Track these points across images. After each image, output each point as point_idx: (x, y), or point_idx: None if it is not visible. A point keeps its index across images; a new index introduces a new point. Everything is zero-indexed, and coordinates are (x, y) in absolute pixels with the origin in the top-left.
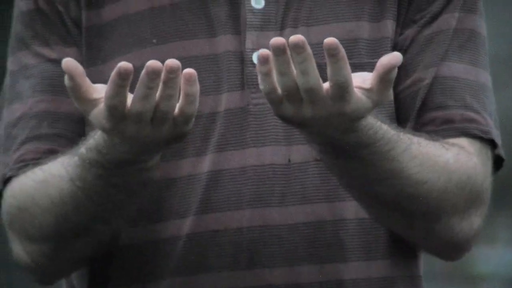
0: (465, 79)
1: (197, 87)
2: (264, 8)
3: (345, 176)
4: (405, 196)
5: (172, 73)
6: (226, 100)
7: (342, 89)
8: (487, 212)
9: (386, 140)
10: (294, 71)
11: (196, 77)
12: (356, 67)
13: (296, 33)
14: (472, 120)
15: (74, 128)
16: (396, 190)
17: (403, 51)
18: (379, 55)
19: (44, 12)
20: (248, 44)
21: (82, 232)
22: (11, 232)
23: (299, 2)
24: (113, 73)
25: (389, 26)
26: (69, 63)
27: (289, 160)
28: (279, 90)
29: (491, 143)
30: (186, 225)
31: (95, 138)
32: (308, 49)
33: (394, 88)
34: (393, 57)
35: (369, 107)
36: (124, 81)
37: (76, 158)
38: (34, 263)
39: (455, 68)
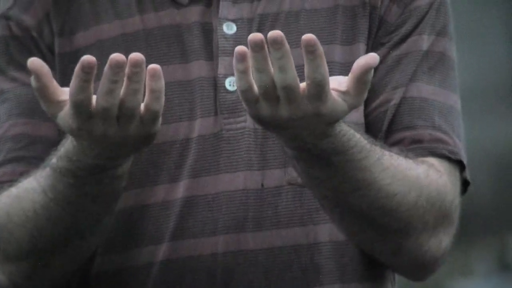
0: (434, 100)
1: (162, 83)
2: (235, 33)
3: (319, 187)
4: (376, 207)
5: (137, 66)
6: (199, 126)
7: (319, 88)
8: (455, 234)
9: (359, 149)
10: (272, 69)
11: (161, 73)
12: None
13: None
14: (440, 140)
15: (51, 151)
16: (368, 202)
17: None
18: None
19: (19, 38)
20: (221, 70)
21: (58, 248)
22: None
23: (271, 27)
24: (76, 68)
25: (361, 49)
26: (35, 62)
27: (262, 185)
28: (256, 89)
29: (459, 165)
30: (160, 251)
31: (65, 146)
32: (287, 45)
33: (363, 110)
34: (370, 58)
35: (344, 110)
36: (88, 75)
37: (47, 169)
38: (12, 284)
39: (424, 89)
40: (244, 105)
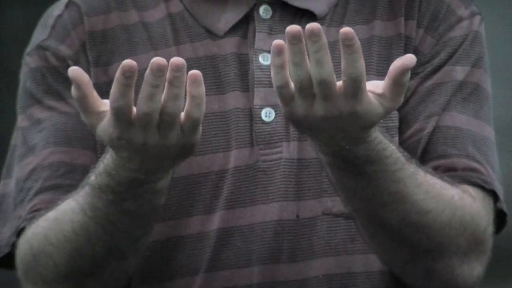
0: (468, 130)
1: (203, 89)
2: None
3: (351, 198)
4: (408, 223)
5: (178, 71)
6: (235, 157)
7: (355, 84)
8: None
9: (394, 160)
10: (309, 64)
11: (202, 79)
12: None
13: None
14: (474, 169)
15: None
16: (400, 216)
17: (405, 102)
18: None
19: (55, 68)
20: (257, 101)
21: (96, 269)
22: (26, 283)
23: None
24: (117, 73)
25: None
26: (76, 71)
27: (297, 216)
28: (292, 86)
29: (493, 195)
30: (196, 283)
31: (103, 161)
32: (324, 38)
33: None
34: (406, 58)
35: (380, 113)
36: (129, 80)
37: (86, 188)
38: None
39: (458, 119)
40: (280, 102)
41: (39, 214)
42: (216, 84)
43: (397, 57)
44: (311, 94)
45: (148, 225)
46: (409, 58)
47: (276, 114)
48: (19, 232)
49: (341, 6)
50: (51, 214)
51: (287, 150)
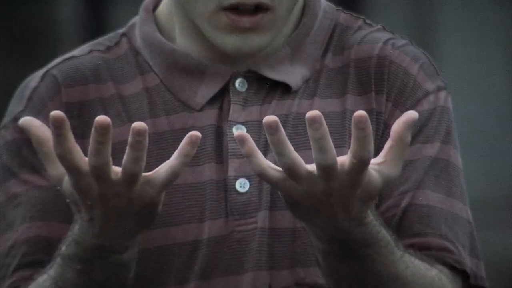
0: (440, 209)
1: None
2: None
3: (341, 281)
4: None
5: (139, 135)
6: (209, 228)
7: (364, 165)
8: None
9: (386, 243)
10: (291, 148)
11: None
12: None
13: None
14: (446, 249)
15: None
16: None
17: None
18: None
19: (31, 141)
20: (231, 172)
21: None
22: None
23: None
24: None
25: None
26: (33, 129)
27: (270, 286)
28: (272, 171)
29: (464, 276)
30: None
31: (72, 230)
32: (325, 124)
33: None
34: (409, 115)
35: (379, 184)
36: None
37: (58, 259)
38: None
39: (431, 197)
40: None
41: None
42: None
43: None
44: (304, 175)
45: None
46: (412, 114)
47: (250, 184)
48: None
49: (313, 80)
50: None
51: (261, 220)
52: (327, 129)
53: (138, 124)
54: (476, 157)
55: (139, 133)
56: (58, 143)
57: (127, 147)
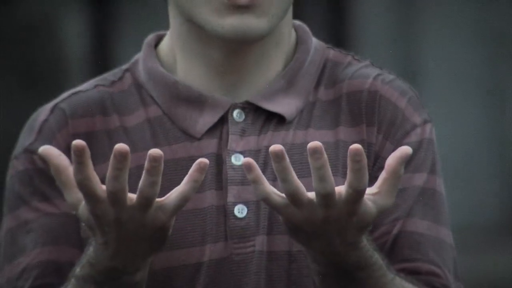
0: (429, 235)
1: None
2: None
3: None
4: None
5: (155, 162)
6: (210, 251)
7: (360, 195)
8: None
9: (378, 266)
10: (294, 175)
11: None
12: None
13: (274, 186)
14: (434, 274)
15: None
16: None
17: None
18: None
19: (42, 170)
20: (230, 198)
21: None
22: None
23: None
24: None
25: None
26: (53, 157)
27: None
28: (276, 196)
29: None
30: None
31: (86, 252)
32: (325, 155)
33: None
34: (403, 150)
35: (374, 213)
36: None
37: (72, 279)
38: None
39: (420, 224)
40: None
41: None
42: None
43: None
44: (305, 202)
45: None
46: (406, 149)
47: (248, 210)
48: None
49: (307, 111)
50: None
51: (259, 243)
52: (327, 159)
53: (154, 151)
54: (459, 185)
55: (155, 159)
56: (78, 170)
57: (144, 173)
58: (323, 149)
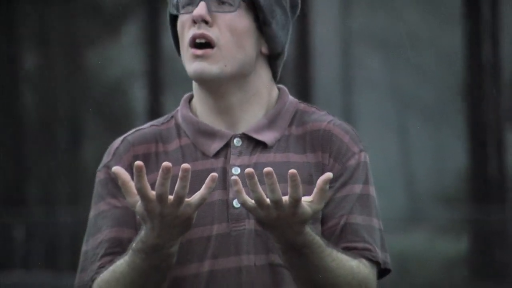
0: (364, 224)
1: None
2: (240, 174)
3: (296, 270)
4: (329, 283)
5: (185, 172)
6: (217, 228)
7: (296, 202)
8: None
9: (319, 244)
10: (260, 189)
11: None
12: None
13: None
14: (367, 249)
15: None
16: (324, 279)
17: (326, 206)
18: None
19: (113, 179)
20: (231, 195)
21: None
22: None
23: (261, 171)
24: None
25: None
26: (119, 171)
27: (254, 264)
28: (251, 202)
29: (377, 264)
30: None
31: (139, 234)
32: (275, 177)
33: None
34: (327, 175)
35: (309, 213)
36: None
37: (130, 251)
38: None
39: (359, 218)
40: (248, 211)
41: (104, 269)
42: None
43: (318, 176)
44: (266, 206)
45: (165, 275)
46: (328, 174)
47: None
48: (93, 278)
49: (283, 140)
50: (110, 268)
51: (248, 224)
52: (276, 179)
53: (184, 165)
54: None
55: (185, 170)
56: (138, 181)
57: (178, 179)
58: (273, 172)
